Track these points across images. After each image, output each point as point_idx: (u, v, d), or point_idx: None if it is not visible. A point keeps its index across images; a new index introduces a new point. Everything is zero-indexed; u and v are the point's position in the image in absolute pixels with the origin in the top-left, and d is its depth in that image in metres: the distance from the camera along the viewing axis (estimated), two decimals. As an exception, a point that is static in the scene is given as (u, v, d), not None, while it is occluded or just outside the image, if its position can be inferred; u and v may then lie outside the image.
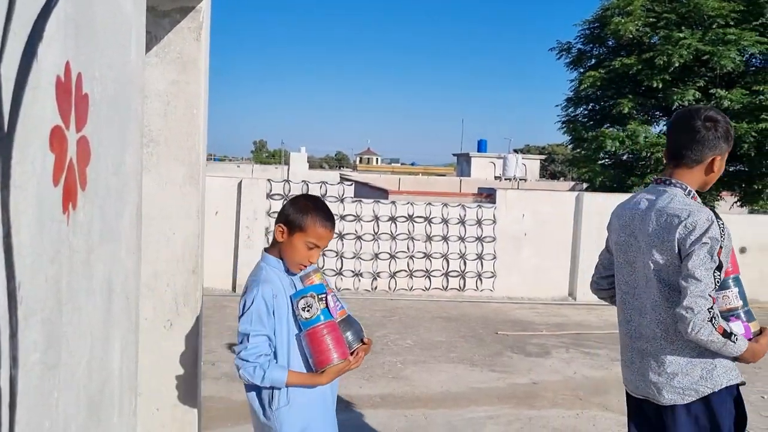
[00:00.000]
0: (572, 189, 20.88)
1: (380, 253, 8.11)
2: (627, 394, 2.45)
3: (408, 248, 8.20)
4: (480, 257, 8.38)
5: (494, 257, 8.41)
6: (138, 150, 1.47)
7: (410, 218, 8.16)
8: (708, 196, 13.54)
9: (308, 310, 2.15)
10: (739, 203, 13.90)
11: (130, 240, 1.40)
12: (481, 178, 31.48)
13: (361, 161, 66.25)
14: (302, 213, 2.17)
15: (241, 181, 7.86)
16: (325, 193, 7.96)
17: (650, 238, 2.19)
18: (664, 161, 2.38)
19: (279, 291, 2.17)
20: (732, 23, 12.26)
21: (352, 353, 2.20)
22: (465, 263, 8.33)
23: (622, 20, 13.04)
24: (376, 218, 8.08)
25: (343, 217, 7.92)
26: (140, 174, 1.51)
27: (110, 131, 1.23)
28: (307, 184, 8.29)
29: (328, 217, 2.20)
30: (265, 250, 2.32)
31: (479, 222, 8.33)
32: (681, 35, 12.31)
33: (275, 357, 2.15)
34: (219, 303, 7.02)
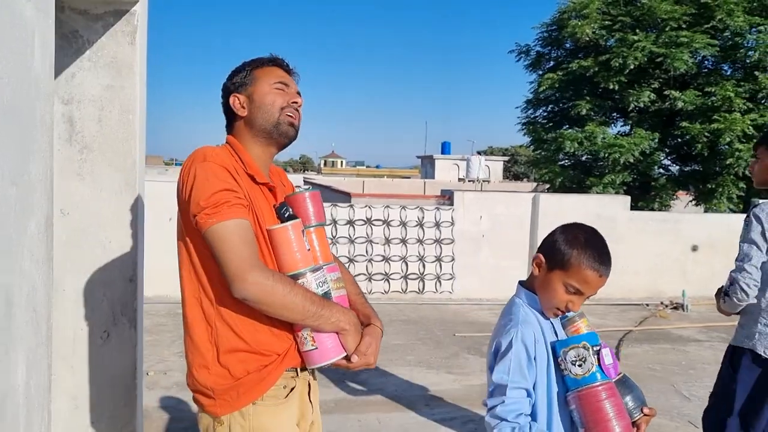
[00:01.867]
0: (534, 190, 21.11)
1: (339, 256, 8.06)
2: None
3: (367, 251, 8.18)
4: (439, 259, 8.41)
5: (453, 259, 8.44)
6: (47, 158, 1.42)
7: (368, 221, 8.14)
8: (664, 196, 13.84)
9: (581, 365, 1.74)
10: (694, 202, 14.20)
11: (37, 251, 1.36)
12: (445, 180, 31.61)
13: (325, 164, 66.02)
14: (570, 246, 1.79)
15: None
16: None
17: None
18: None
19: (539, 335, 1.81)
20: (684, 26, 12.53)
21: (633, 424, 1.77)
22: (424, 266, 8.35)
23: (579, 23, 13.22)
24: (334, 222, 8.05)
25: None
26: (51, 183, 1.46)
27: (6, 140, 1.19)
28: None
29: (603, 260, 1.79)
30: (521, 283, 1.97)
31: (437, 224, 8.36)
32: (635, 38, 12.54)
33: (532, 417, 1.77)
34: (173, 311, 6.92)
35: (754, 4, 12.66)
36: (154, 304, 7.45)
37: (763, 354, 2.72)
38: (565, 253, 1.77)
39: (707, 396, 5.15)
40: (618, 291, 9.01)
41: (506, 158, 37.05)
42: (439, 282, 8.44)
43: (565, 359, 1.76)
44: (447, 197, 8.93)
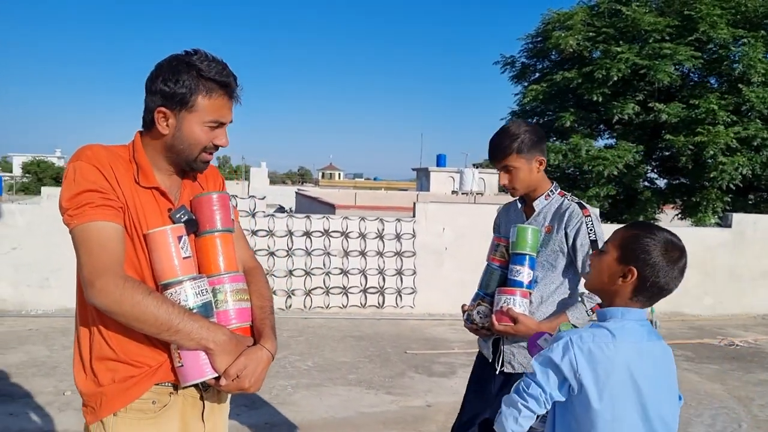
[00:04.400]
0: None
1: (294, 269, 7.82)
2: None
3: (324, 264, 7.92)
4: (399, 273, 8.14)
5: (414, 272, 8.17)
6: None
7: (326, 233, 7.89)
8: (649, 209, 13.58)
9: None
10: (680, 216, 13.94)
11: None
12: (440, 192, 31.44)
13: (323, 176, 65.98)
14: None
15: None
16: (236, 206, 7.65)
17: None
18: None
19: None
20: (668, 38, 12.33)
21: None
22: (384, 279, 8.07)
23: (563, 34, 13.05)
24: (290, 233, 7.80)
25: (254, 233, 7.62)
26: None
27: None
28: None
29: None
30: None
31: (398, 236, 8.09)
32: (618, 49, 12.34)
33: None
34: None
35: (738, 16, 12.46)
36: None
37: None
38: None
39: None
40: (587, 306, 8.72)
41: (502, 171, 36.76)
42: (400, 296, 8.17)
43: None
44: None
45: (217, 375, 1.69)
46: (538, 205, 2.64)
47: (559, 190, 2.67)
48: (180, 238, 1.71)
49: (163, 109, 1.71)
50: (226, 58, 1.79)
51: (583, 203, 2.59)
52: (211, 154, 1.80)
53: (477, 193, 27.63)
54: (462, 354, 6.50)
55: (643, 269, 1.71)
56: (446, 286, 8.14)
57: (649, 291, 1.74)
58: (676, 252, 1.74)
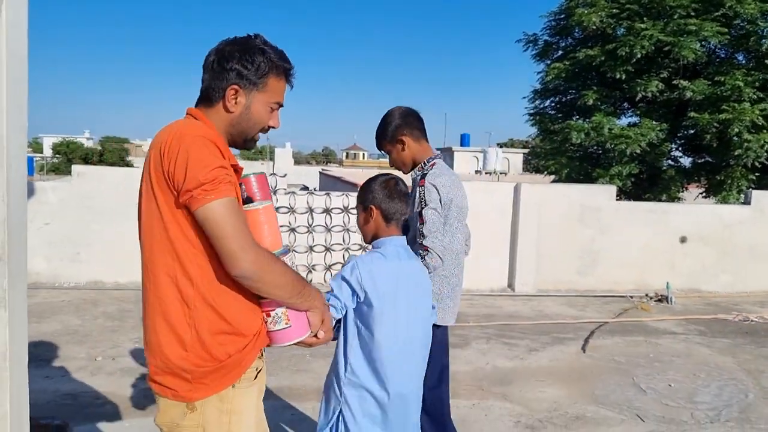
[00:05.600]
0: (554, 182, 20.83)
1: (315, 245, 8.01)
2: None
3: (344, 240, 8.10)
4: (418, 249, 8.27)
5: (431, 249, 8.29)
6: None
7: (345, 210, 8.06)
8: (673, 188, 13.49)
9: None
10: (704, 195, 13.83)
11: None
12: (464, 172, 31.37)
13: (347, 156, 66.02)
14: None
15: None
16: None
17: None
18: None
19: None
20: (693, 14, 12.16)
21: None
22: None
23: (586, 11, 12.93)
24: (310, 210, 7.99)
25: (276, 210, 7.81)
26: None
27: None
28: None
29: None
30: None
31: (418, 214, 8.20)
32: (643, 26, 12.20)
33: None
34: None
35: (766, -9, 12.21)
36: (125, 290, 7.51)
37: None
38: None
39: (666, 389, 5.02)
40: (603, 283, 8.80)
41: (526, 150, 36.64)
42: (419, 272, 8.32)
43: None
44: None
45: (311, 332, 1.89)
46: (412, 178, 3.05)
47: (432, 162, 2.96)
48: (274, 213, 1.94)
49: (236, 87, 1.80)
50: (248, 30, 1.92)
51: (428, 175, 2.87)
52: (260, 137, 1.94)
53: (501, 173, 27.57)
54: (476, 327, 6.65)
55: (377, 204, 2.40)
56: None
57: (392, 216, 2.40)
58: (391, 182, 2.42)
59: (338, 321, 2.36)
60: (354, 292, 2.31)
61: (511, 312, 7.44)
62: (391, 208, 2.39)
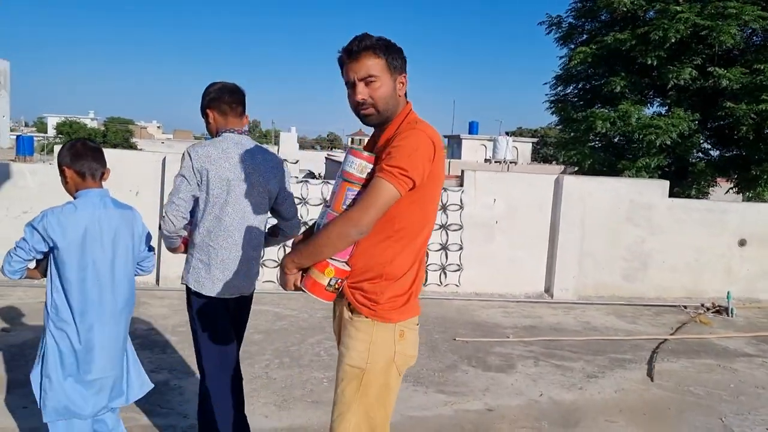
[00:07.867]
0: (563, 173, 20.03)
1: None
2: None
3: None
4: (444, 248, 7.45)
5: (461, 248, 7.48)
6: None
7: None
8: (702, 182, 12.69)
9: None
10: (735, 190, 13.05)
11: None
12: (472, 160, 30.61)
13: (353, 142, 65.18)
14: None
15: (165, 158, 6.94)
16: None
17: None
18: None
19: None
20: (732, -4, 11.29)
21: None
22: (427, 254, 7.41)
23: (616, -7, 12.05)
24: (325, 201, 7.17)
25: (288, 202, 7.02)
26: None
27: None
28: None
29: None
30: None
31: (444, 208, 7.38)
32: (678, 8, 11.37)
33: None
34: (138, 299, 6.10)
35: (813, -29, 11.35)
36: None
37: (193, 287, 2.93)
38: None
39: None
40: (652, 289, 7.97)
41: (535, 140, 35.81)
42: (444, 273, 7.50)
43: None
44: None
45: None
46: None
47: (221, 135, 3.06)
48: None
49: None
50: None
51: (192, 145, 2.98)
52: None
53: (510, 162, 26.77)
54: (518, 343, 5.84)
55: (68, 164, 2.66)
56: (496, 264, 7.47)
57: (85, 171, 2.67)
58: (77, 144, 2.74)
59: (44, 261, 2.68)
60: (43, 238, 2.55)
61: (553, 323, 6.60)
62: (82, 166, 2.65)
